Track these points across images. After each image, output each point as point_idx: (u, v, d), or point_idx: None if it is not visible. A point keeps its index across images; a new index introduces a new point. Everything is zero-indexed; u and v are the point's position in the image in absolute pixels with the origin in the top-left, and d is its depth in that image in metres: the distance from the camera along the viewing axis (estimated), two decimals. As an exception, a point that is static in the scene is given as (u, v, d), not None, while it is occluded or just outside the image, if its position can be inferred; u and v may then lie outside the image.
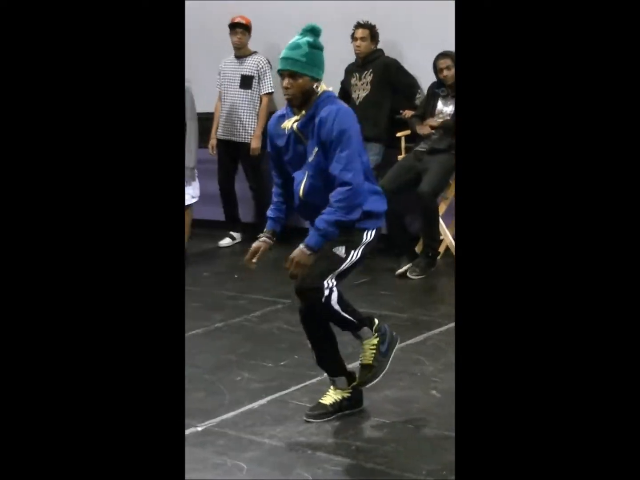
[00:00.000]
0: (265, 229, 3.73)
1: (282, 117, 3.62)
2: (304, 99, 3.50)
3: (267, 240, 3.69)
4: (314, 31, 3.53)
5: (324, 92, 3.55)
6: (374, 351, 3.66)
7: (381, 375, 3.67)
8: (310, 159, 3.53)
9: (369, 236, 3.58)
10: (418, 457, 3.38)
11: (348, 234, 3.52)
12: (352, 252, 3.54)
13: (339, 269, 3.53)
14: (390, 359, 3.69)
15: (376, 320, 3.71)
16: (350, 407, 3.78)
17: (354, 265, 3.58)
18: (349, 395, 3.79)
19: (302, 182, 3.58)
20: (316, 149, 3.50)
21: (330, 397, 3.78)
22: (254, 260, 3.66)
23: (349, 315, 3.60)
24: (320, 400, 3.78)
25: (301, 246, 3.49)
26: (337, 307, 3.54)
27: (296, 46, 3.48)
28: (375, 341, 3.67)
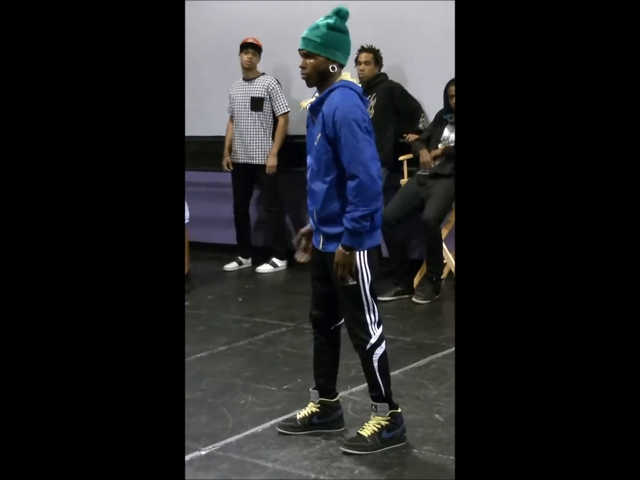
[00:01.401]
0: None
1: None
2: (319, 80, 3.49)
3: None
4: (339, 13, 3.48)
5: (341, 80, 3.51)
6: (376, 430, 3.62)
7: (366, 454, 3.57)
8: (315, 142, 3.53)
9: (363, 255, 3.52)
10: (421, 481, 3.39)
11: None
12: (358, 274, 3.50)
13: (363, 296, 3.53)
14: (384, 450, 3.60)
15: (399, 410, 3.69)
16: (320, 425, 3.83)
17: (370, 280, 3.54)
18: (317, 410, 3.84)
19: (308, 167, 3.59)
20: (320, 135, 3.49)
21: (301, 411, 3.85)
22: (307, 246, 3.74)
23: (382, 380, 3.61)
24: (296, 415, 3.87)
25: (340, 248, 3.48)
26: (375, 363, 3.58)
27: (315, 27, 3.47)
28: (383, 422, 3.64)
